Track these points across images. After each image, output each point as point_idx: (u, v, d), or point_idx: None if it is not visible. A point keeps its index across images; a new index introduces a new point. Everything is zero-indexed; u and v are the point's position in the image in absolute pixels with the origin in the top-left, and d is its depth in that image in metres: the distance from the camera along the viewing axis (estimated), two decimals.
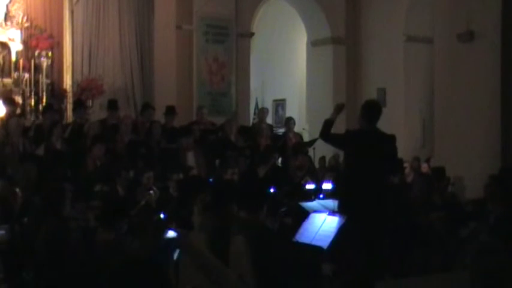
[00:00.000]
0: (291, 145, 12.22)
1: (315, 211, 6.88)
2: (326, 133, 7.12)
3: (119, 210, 5.23)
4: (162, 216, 6.96)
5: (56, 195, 5.84)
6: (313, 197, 8.34)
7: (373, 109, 6.96)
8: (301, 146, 12.29)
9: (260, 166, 10.15)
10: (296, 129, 13.22)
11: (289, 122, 12.88)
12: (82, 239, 5.49)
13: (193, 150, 10.63)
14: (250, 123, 14.17)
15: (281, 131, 14.37)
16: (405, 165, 12.65)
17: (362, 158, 6.67)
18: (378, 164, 6.61)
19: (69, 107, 12.58)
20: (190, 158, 10.53)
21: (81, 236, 5.66)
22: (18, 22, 12.59)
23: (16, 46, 12.46)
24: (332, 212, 6.59)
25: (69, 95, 12.74)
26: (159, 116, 11.95)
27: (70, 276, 4.11)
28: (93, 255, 4.15)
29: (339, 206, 6.86)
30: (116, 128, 11.04)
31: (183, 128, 11.36)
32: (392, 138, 6.85)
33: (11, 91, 12.17)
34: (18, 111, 11.89)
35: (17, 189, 8.29)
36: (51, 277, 4.47)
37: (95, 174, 9.23)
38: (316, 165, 12.71)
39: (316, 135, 13.89)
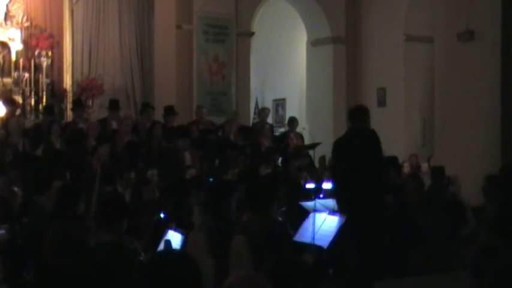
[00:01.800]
0: (292, 145, 12.23)
1: (315, 211, 6.88)
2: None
3: (117, 210, 5.22)
4: (162, 216, 6.96)
5: (71, 194, 5.85)
6: (313, 197, 8.33)
7: (354, 109, 7.14)
8: (303, 149, 12.31)
9: (261, 166, 10.15)
10: (296, 128, 13.22)
11: (292, 122, 12.87)
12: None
13: (189, 150, 10.63)
14: (250, 123, 14.17)
15: (281, 130, 14.37)
16: (405, 164, 12.66)
17: (353, 157, 6.78)
18: (366, 161, 6.71)
19: (69, 106, 12.59)
20: (187, 158, 10.54)
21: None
22: (18, 22, 12.59)
23: (16, 46, 12.47)
24: (332, 212, 6.59)
25: (69, 95, 12.74)
26: (159, 116, 11.95)
27: (76, 277, 4.10)
28: (94, 257, 4.15)
29: (338, 205, 6.90)
30: (116, 131, 11.04)
31: (181, 129, 11.34)
32: (373, 133, 6.99)
33: (11, 91, 12.17)
34: (18, 111, 11.90)
35: (16, 189, 8.30)
36: (60, 277, 4.45)
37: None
38: (316, 164, 12.71)
39: (317, 135, 13.96)
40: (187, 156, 10.51)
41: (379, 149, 7.06)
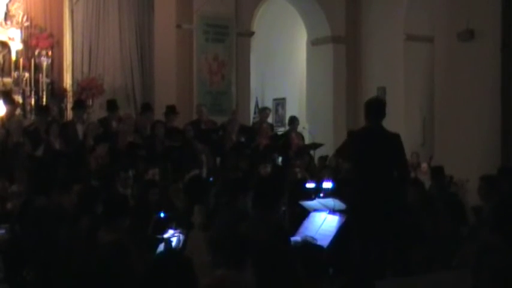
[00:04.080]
0: (293, 145, 12.22)
1: (315, 210, 6.87)
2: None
3: (119, 209, 5.21)
4: (162, 215, 6.95)
5: (92, 194, 5.87)
6: (313, 196, 8.33)
7: (371, 106, 6.76)
8: (305, 149, 12.31)
9: (261, 166, 10.14)
10: (297, 128, 13.21)
11: (293, 122, 12.86)
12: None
13: (206, 154, 10.72)
14: (251, 123, 14.17)
15: (281, 130, 14.37)
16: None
17: (368, 157, 6.54)
18: (383, 162, 6.50)
19: (70, 106, 12.59)
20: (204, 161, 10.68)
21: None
22: (18, 21, 12.59)
23: (16, 45, 12.47)
24: (332, 211, 6.58)
25: (69, 95, 12.74)
26: (160, 115, 11.94)
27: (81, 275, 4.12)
28: (96, 257, 4.16)
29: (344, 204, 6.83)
30: (116, 132, 11.02)
31: (203, 134, 11.37)
32: (396, 137, 6.69)
33: (11, 90, 12.17)
34: (18, 110, 11.89)
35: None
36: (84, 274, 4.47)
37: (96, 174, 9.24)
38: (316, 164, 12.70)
39: (317, 134, 13.94)
40: (203, 159, 10.63)
41: (403, 157, 6.72)
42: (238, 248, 4.14)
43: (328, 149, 12.87)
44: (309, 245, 5.59)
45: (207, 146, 10.97)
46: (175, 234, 5.79)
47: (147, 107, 11.95)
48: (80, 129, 11.00)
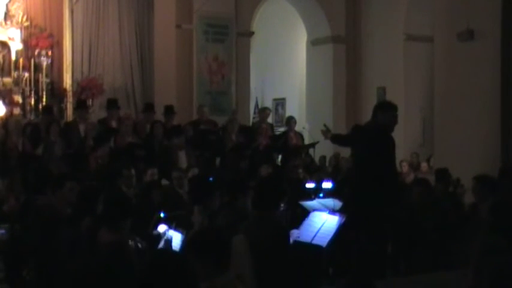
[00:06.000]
0: (291, 144, 12.23)
1: (315, 210, 6.87)
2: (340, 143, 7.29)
3: (122, 210, 5.20)
4: (162, 215, 6.94)
5: (92, 193, 5.86)
6: (313, 196, 8.33)
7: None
8: (301, 148, 12.31)
9: (262, 166, 10.14)
10: (296, 128, 13.21)
11: (290, 121, 12.87)
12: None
13: (185, 149, 10.61)
14: (250, 123, 14.16)
15: (281, 130, 14.37)
16: (404, 163, 12.68)
17: (377, 155, 6.68)
18: (390, 161, 6.63)
19: (69, 106, 12.59)
20: (182, 158, 10.51)
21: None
22: (18, 21, 12.58)
23: (16, 45, 12.46)
24: (332, 211, 6.58)
25: (69, 94, 12.74)
26: (159, 115, 11.95)
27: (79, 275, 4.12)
28: (96, 257, 4.16)
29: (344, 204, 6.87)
30: (116, 130, 11.01)
31: (174, 128, 11.31)
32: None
33: (10, 90, 12.17)
34: (18, 110, 11.90)
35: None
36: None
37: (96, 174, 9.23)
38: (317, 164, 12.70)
39: (316, 134, 13.94)
40: (182, 156, 10.48)
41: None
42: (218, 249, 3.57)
43: (328, 149, 12.87)
44: (304, 245, 5.60)
45: (181, 140, 10.76)
46: (173, 231, 5.78)
47: (149, 107, 11.94)
48: (82, 129, 11.02)
